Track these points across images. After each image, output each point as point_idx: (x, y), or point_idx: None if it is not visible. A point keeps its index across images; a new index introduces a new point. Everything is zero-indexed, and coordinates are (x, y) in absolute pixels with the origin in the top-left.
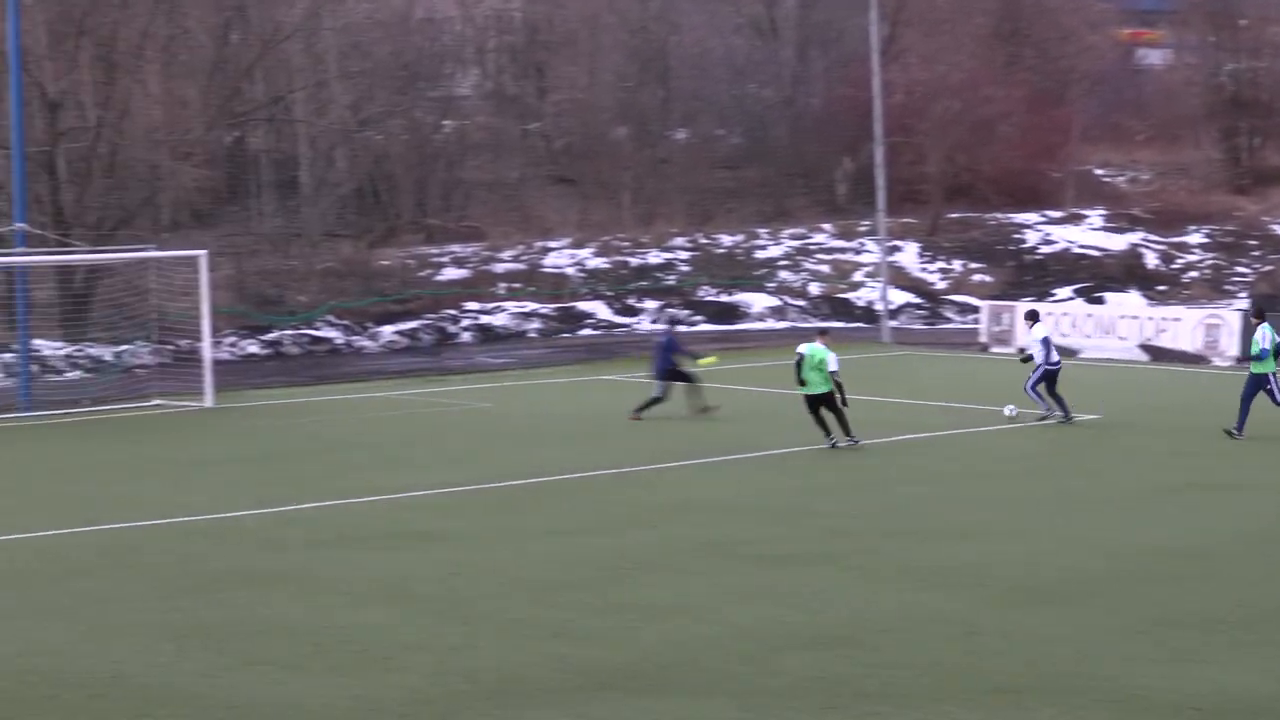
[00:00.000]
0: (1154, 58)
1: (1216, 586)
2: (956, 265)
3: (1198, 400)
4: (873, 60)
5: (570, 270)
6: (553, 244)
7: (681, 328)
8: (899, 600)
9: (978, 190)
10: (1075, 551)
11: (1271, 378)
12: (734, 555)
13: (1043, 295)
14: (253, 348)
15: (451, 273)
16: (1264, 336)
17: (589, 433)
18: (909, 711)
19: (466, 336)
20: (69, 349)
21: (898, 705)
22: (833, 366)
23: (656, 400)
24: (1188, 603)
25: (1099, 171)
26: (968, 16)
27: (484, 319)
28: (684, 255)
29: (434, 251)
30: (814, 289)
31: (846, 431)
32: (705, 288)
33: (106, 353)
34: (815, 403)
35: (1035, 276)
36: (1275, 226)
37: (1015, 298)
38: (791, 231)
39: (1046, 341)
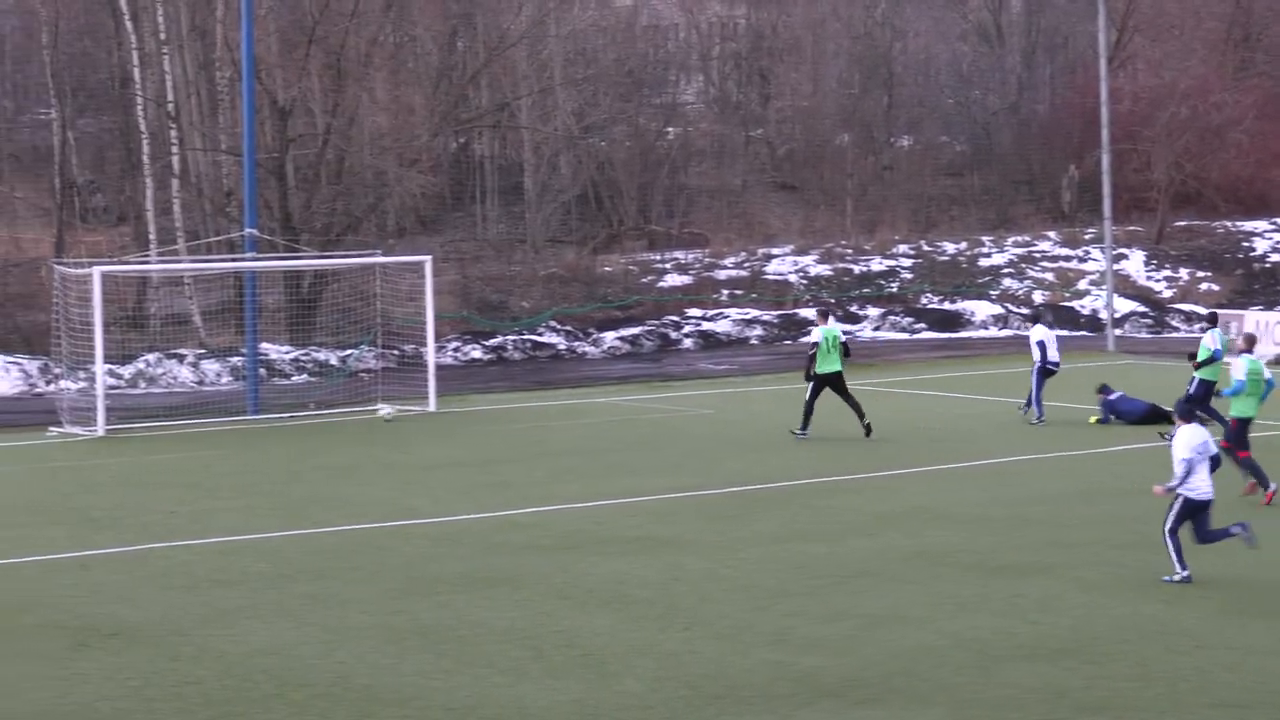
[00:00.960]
0: None
1: None
2: (1183, 273)
3: None
4: (1100, 66)
5: (792, 277)
6: (775, 250)
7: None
8: (1121, 611)
9: (1205, 197)
10: None
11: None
12: (951, 564)
13: (1272, 303)
14: (475, 353)
15: (674, 279)
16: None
17: (807, 440)
18: None
19: (688, 343)
20: (295, 353)
21: (1117, 718)
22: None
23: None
24: None
25: None
26: (1198, 21)
27: (706, 325)
28: (907, 262)
29: (657, 258)
30: (1037, 296)
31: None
32: (928, 295)
33: (332, 357)
34: (833, 382)
35: (1264, 284)
36: None
37: (1244, 306)
38: (1015, 239)
39: (1041, 345)
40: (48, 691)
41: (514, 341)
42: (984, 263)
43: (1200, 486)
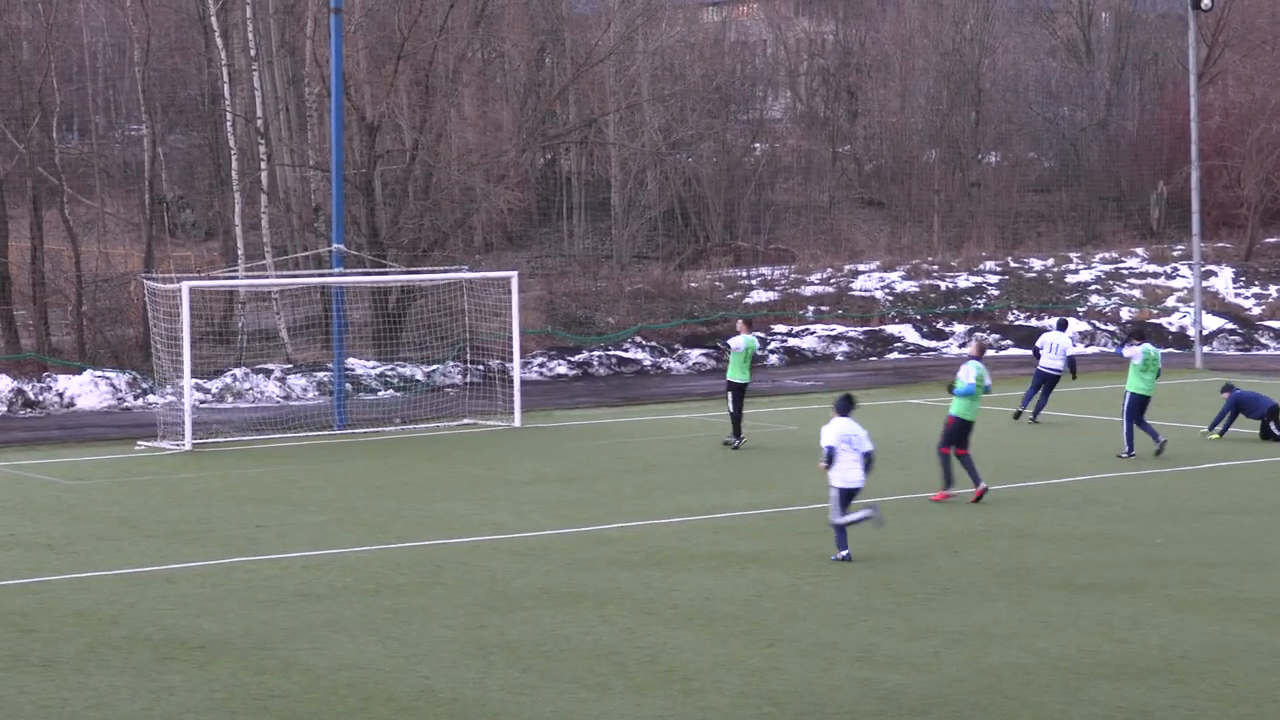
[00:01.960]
0: None
1: None
2: (1273, 291)
3: None
4: (1190, 82)
5: (879, 293)
6: (862, 267)
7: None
8: (1211, 631)
9: None
10: None
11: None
12: (1037, 581)
13: None
14: (561, 368)
15: (760, 295)
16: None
17: (890, 456)
18: None
19: (774, 359)
20: (382, 368)
21: None
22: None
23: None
24: None
25: None
26: None
27: (791, 341)
28: (993, 279)
29: (743, 274)
30: (1125, 313)
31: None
32: (1014, 312)
33: (418, 372)
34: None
35: None
36: None
37: None
38: (1103, 255)
39: (1036, 351)
40: (135, 703)
41: (599, 357)
42: (1071, 279)
43: None
